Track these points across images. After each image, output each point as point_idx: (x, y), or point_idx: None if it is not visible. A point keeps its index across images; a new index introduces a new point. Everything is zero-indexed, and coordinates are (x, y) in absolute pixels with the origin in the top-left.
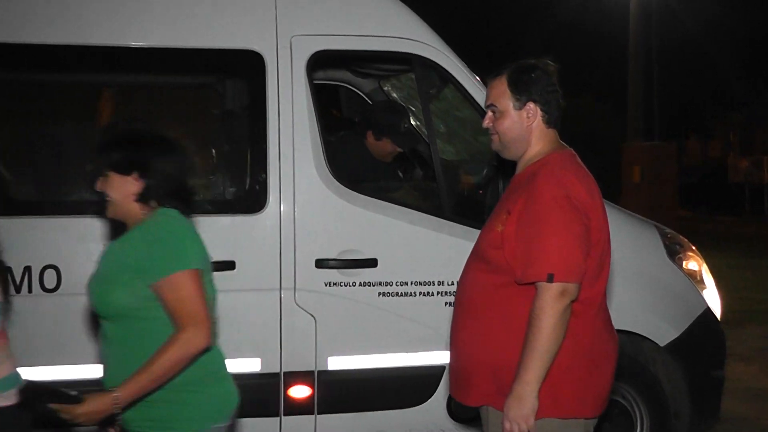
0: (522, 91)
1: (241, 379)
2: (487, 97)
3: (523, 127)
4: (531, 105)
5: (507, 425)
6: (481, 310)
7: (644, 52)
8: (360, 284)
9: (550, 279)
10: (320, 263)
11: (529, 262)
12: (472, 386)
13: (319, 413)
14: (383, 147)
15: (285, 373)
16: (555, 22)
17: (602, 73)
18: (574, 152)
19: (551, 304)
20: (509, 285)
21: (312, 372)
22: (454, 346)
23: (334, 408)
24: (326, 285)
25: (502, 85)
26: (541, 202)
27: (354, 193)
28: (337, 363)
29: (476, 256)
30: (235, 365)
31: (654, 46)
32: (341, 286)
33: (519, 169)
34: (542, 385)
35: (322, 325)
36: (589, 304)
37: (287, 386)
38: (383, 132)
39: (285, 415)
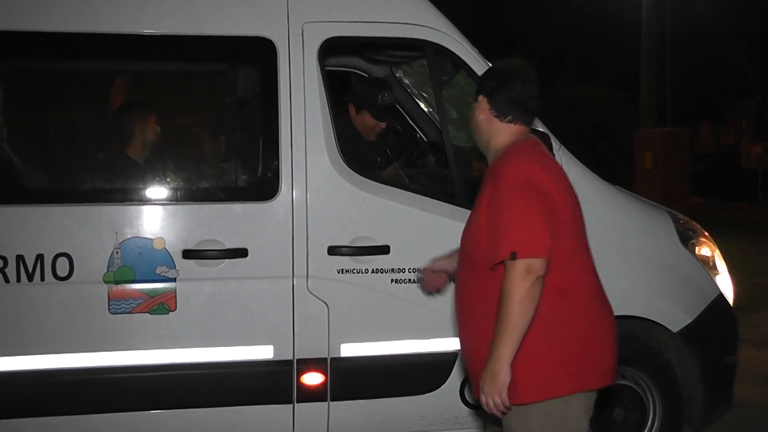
0: (478, 86)
1: (254, 366)
2: None
3: (476, 119)
4: (481, 98)
5: (482, 399)
6: (475, 310)
7: (657, 38)
8: (372, 271)
9: (513, 256)
10: (333, 250)
11: (494, 245)
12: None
13: (332, 400)
14: (364, 120)
15: (298, 360)
16: (569, 9)
17: (615, 60)
18: (538, 141)
19: (517, 281)
20: (493, 281)
21: (325, 359)
22: (461, 346)
23: (347, 395)
24: (339, 272)
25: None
26: (503, 188)
27: (366, 179)
28: (349, 350)
29: (464, 255)
30: (248, 352)
31: (667, 32)
32: (354, 273)
33: (489, 162)
34: (534, 367)
35: (334, 312)
36: (573, 283)
37: (300, 373)
38: (361, 104)
39: (298, 402)
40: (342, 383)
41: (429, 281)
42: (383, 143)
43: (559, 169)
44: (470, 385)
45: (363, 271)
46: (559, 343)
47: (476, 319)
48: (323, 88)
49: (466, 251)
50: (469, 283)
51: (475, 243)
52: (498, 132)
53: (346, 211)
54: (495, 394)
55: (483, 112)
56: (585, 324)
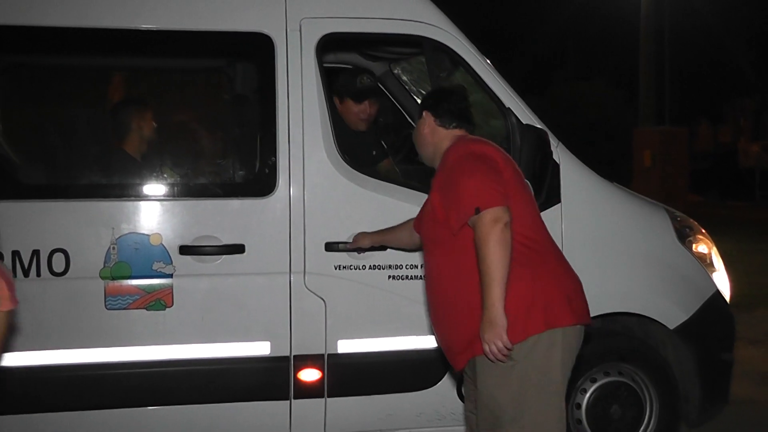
0: (421, 106)
1: (251, 362)
2: None
3: (421, 133)
4: (425, 114)
5: (486, 347)
6: (444, 290)
7: (655, 37)
8: (370, 267)
9: (478, 211)
10: (330, 246)
11: (456, 210)
12: (456, 356)
13: (329, 396)
14: (349, 109)
15: (295, 356)
16: (569, 8)
17: (614, 58)
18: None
19: (487, 229)
20: (461, 257)
21: (322, 355)
22: (435, 327)
23: (344, 391)
24: (336, 268)
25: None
26: (450, 166)
27: (364, 176)
28: (346, 346)
29: (427, 241)
30: (245, 349)
31: (666, 31)
32: (351, 269)
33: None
34: (517, 310)
35: (331, 309)
36: (533, 237)
37: (297, 369)
38: (342, 93)
39: (295, 398)
40: (339, 380)
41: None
42: (380, 140)
43: (497, 146)
44: (452, 370)
45: (360, 267)
46: (529, 285)
47: (444, 300)
48: (321, 84)
49: (427, 236)
50: (439, 266)
51: (433, 224)
52: (442, 138)
53: (344, 207)
54: (496, 338)
55: (428, 125)
56: (550, 265)
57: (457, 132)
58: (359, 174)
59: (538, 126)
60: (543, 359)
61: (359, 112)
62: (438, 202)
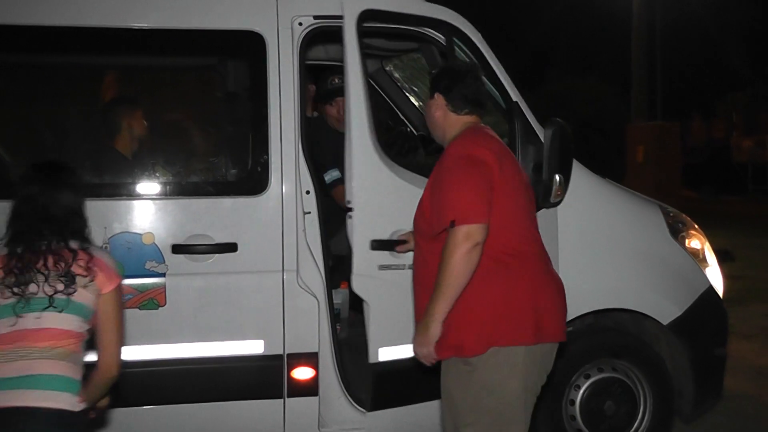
0: (431, 84)
1: (244, 361)
2: None
3: (433, 115)
4: (437, 96)
5: (414, 349)
6: (427, 281)
7: (647, 32)
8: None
9: (453, 224)
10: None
11: (438, 216)
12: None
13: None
14: (327, 113)
15: (288, 354)
16: (561, 3)
17: (607, 54)
18: (484, 126)
19: (456, 245)
20: (439, 251)
21: (316, 353)
22: (415, 313)
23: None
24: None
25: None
26: (445, 165)
27: None
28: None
29: (415, 229)
30: (238, 347)
31: (657, 26)
32: None
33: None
34: (483, 320)
35: (325, 306)
36: (513, 248)
37: (291, 368)
38: (317, 98)
39: (289, 396)
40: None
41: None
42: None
43: (501, 145)
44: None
45: None
46: (501, 297)
47: (424, 291)
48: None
49: (416, 225)
50: (421, 255)
51: (420, 216)
52: (453, 124)
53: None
54: (423, 345)
55: (440, 108)
56: (527, 279)
57: (468, 119)
58: None
59: (559, 120)
60: (502, 373)
61: (333, 115)
62: (427, 199)
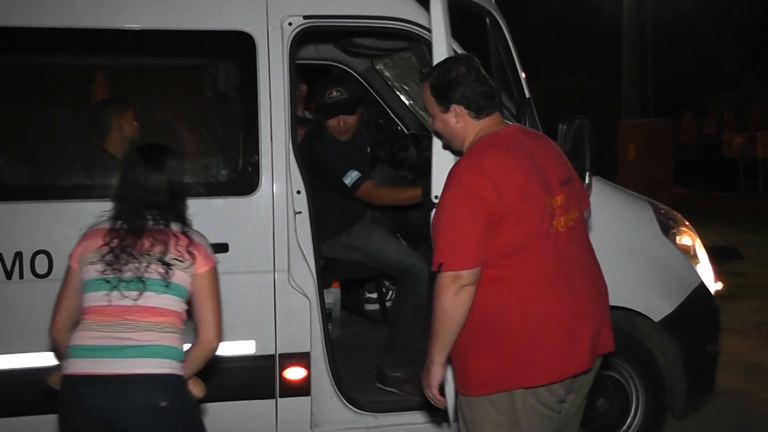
0: (443, 97)
1: (236, 361)
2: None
3: (454, 128)
4: (455, 107)
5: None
6: None
7: (638, 29)
8: None
9: (440, 268)
10: None
11: (433, 251)
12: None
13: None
14: (330, 123)
15: (280, 354)
16: (553, 1)
17: (598, 51)
18: (505, 133)
19: (442, 289)
20: None
21: (308, 353)
22: None
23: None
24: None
25: (426, 92)
26: (443, 197)
27: None
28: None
29: None
30: (230, 348)
31: (648, 23)
32: None
33: None
34: (476, 362)
35: (316, 306)
36: (517, 278)
37: (283, 368)
38: (319, 110)
39: (281, 396)
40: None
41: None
42: (365, 148)
43: (512, 164)
44: None
45: None
46: (503, 337)
47: None
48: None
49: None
50: None
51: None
52: (472, 130)
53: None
54: (428, 388)
55: (461, 117)
56: (530, 317)
57: (487, 121)
58: None
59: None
60: (503, 411)
61: (334, 126)
62: (433, 222)
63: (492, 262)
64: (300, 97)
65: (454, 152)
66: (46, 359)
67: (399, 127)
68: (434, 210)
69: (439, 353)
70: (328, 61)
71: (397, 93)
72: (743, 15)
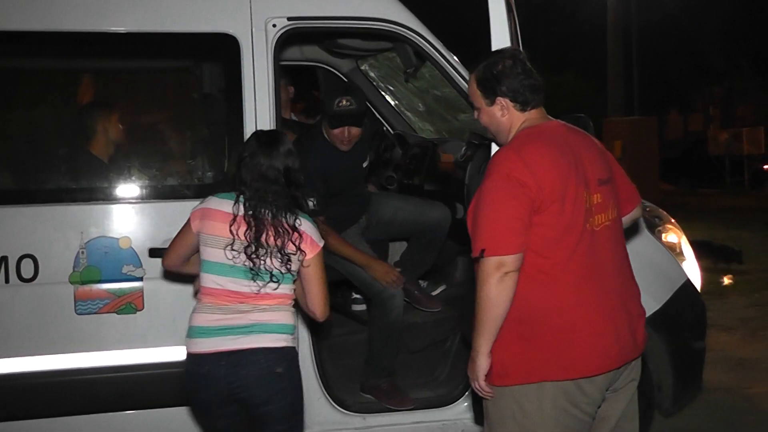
0: (489, 90)
1: None
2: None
3: (500, 121)
4: (501, 100)
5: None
6: None
7: (623, 27)
8: None
9: (482, 254)
10: None
11: (472, 240)
12: None
13: None
14: (329, 132)
15: None
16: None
17: (583, 49)
18: (548, 126)
19: (486, 276)
20: None
21: None
22: None
23: None
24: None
25: (473, 85)
26: (486, 182)
27: None
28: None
29: None
30: None
31: (633, 21)
32: None
33: None
34: (505, 352)
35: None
36: (549, 271)
37: None
38: (323, 114)
39: None
40: None
41: None
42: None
43: (553, 155)
44: None
45: None
46: (530, 329)
47: None
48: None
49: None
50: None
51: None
52: (516, 123)
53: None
54: (473, 379)
55: (506, 110)
56: (560, 311)
57: (531, 114)
58: None
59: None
60: (528, 410)
61: (336, 135)
62: (472, 210)
63: (527, 253)
64: (286, 98)
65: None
66: (33, 364)
67: (385, 128)
68: (473, 199)
69: (484, 343)
70: (313, 62)
71: (382, 93)
72: (728, 12)
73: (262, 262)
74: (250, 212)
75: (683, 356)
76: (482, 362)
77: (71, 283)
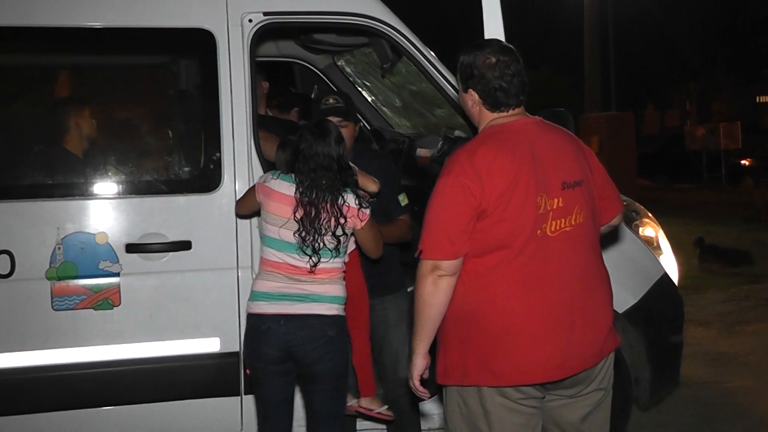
0: (463, 78)
1: (200, 359)
2: None
3: (471, 110)
4: (471, 92)
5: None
6: None
7: (600, 22)
8: None
9: (419, 256)
10: None
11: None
12: None
13: None
14: None
15: None
16: None
17: (560, 45)
18: (513, 126)
19: (421, 277)
20: None
21: None
22: None
23: None
24: None
25: (458, 69)
26: (437, 184)
27: None
28: None
29: None
30: (195, 346)
31: (610, 16)
32: None
33: None
34: (449, 353)
35: None
36: (488, 276)
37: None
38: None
39: (246, 394)
40: None
41: None
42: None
43: (504, 161)
44: None
45: None
46: (466, 332)
47: None
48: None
49: None
50: None
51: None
52: (485, 118)
53: None
54: (409, 377)
55: (475, 104)
56: (500, 316)
57: (500, 115)
58: None
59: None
60: (472, 407)
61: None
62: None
63: (469, 257)
64: (261, 94)
65: None
66: (10, 360)
67: (361, 123)
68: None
69: (420, 343)
70: (290, 58)
71: (359, 89)
72: (704, 8)
73: (316, 241)
74: (306, 198)
75: (660, 350)
76: (418, 362)
77: (48, 279)
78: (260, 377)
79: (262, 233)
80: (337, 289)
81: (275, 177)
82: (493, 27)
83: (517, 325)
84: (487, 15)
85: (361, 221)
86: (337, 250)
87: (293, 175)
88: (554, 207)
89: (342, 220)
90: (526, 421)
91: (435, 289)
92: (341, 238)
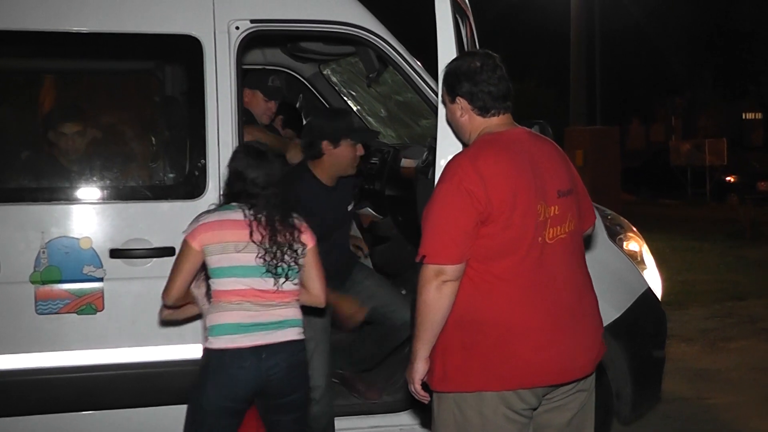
0: (450, 88)
1: (183, 365)
2: None
3: (459, 121)
4: (460, 100)
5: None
6: None
7: (586, 36)
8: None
9: (422, 260)
10: None
11: (420, 243)
12: None
13: None
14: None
15: None
16: (499, 6)
17: (546, 58)
18: (509, 134)
19: (425, 282)
20: None
21: None
22: None
23: None
24: None
25: (442, 81)
26: (437, 189)
27: None
28: None
29: None
30: (178, 351)
31: (596, 30)
32: None
33: None
34: (447, 358)
35: None
36: (492, 281)
37: None
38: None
39: None
40: None
41: None
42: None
43: (507, 167)
44: None
45: None
46: (470, 337)
47: None
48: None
49: None
50: None
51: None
52: (476, 128)
53: None
54: (410, 382)
55: (465, 112)
56: (505, 321)
57: (493, 121)
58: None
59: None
60: (468, 415)
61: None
62: (424, 212)
63: (472, 263)
64: (268, 110)
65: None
66: None
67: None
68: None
69: (422, 347)
70: (276, 66)
71: (344, 98)
72: (690, 23)
73: (279, 260)
74: (262, 217)
75: (642, 365)
76: (419, 366)
77: (32, 282)
78: (216, 421)
79: (213, 268)
80: (298, 312)
81: (212, 213)
82: (446, 44)
83: (522, 331)
84: (441, 33)
85: (311, 240)
86: (297, 266)
87: (232, 204)
88: (552, 214)
89: (296, 233)
90: (520, 431)
91: (439, 294)
92: (299, 250)
